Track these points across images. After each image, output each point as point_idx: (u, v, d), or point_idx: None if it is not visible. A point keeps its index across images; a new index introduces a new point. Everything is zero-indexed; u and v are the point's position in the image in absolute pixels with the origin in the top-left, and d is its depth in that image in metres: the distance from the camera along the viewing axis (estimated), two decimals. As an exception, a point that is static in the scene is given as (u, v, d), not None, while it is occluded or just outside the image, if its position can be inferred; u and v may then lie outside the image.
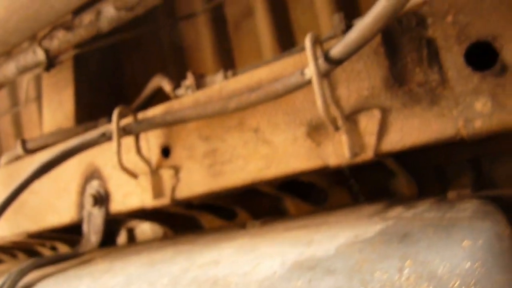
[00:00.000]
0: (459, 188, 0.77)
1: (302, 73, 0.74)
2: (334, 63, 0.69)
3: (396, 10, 0.59)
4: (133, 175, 0.99)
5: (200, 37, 1.44)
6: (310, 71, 0.69)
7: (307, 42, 0.69)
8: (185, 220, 1.28)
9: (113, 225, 1.52)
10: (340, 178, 0.96)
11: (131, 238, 1.64)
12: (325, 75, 0.72)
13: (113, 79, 1.57)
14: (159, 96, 1.21)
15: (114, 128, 0.95)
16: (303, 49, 0.80)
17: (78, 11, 1.13)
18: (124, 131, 0.97)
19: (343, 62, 0.69)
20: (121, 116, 0.98)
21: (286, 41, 1.31)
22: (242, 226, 1.02)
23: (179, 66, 1.51)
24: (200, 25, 1.44)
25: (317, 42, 0.72)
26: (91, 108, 1.48)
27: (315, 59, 0.68)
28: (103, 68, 1.55)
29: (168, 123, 0.92)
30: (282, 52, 1.29)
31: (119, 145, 0.95)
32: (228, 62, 1.42)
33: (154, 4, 0.92)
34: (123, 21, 0.97)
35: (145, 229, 1.63)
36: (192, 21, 1.45)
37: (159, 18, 1.52)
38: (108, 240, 1.41)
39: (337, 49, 0.67)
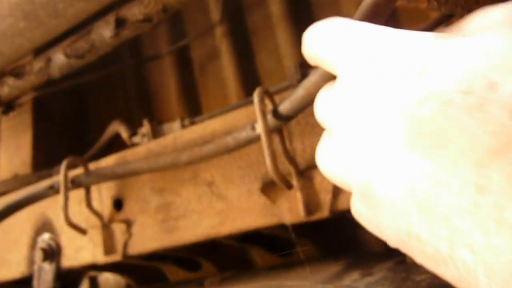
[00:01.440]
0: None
1: (253, 128, 0.70)
2: (283, 119, 0.65)
3: None
4: (82, 231, 0.92)
5: (166, 79, 1.41)
6: (259, 127, 0.65)
7: (255, 97, 0.66)
8: (149, 271, 1.22)
9: (75, 273, 1.44)
10: (306, 230, 0.91)
11: (94, 287, 1.56)
12: (275, 131, 0.68)
13: (76, 123, 1.52)
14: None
15: (62, 181, 0.89)
16: (257, 100, 0.76)
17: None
18: (73, 184, 0.91)
19: (292, 119, 0.65)
20: (70, 167, 0.92)
21: (252, 84, 1.28)
22: (200, 284, 0.95)
23: (145, 108, 1.47)
24: (166, 67, 1.41)
25: (267, 95, 0.68)
26: (52, 153, 1.41)
27: (263, 115, 0.64)
28: (66, 111, 1.50)
29: (118, 176, 0.87)
30: (247, 96, 1.26)
31: (66, 199, 0.89)
32: (194, 105, 1.38)
33: (105, 51, 0.89)
34: (75, 68, 0.94)
35: (108, 277, 1.54)
36: (158, 63, 1.42)
37: (125, 59, 1.48)
38: (70, 289, 1.33)
39: (285, 105, 0.63)
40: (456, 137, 0.26)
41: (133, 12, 0.80)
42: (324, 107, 0.44)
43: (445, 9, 0.61)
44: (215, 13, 1.27)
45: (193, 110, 1.38)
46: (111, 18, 0.82)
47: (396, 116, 0.30)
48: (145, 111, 1.47)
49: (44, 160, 1.37)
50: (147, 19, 0.80)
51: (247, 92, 1.27)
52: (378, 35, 0.38)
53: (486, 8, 0.36)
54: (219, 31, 1.30)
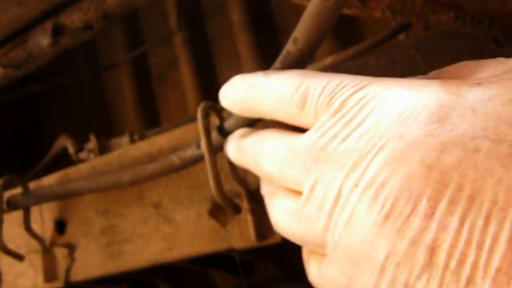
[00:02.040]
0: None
1: (198, 146, 0.65)
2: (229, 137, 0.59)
3: None
4: (19, 257, 0.85)
5: (123, 88, 1.35)
6: (202, 146, 0.60)
7: (198, 113, 0.60)
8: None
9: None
10: (265, 251, 0.86)
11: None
12: (220, 150, 0.62)
13: (29, 135, 1.44)
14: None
15: (-5, 204, 0.81)
16: (205, 115, 0.71)
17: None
18: (8, 205, 0.83)
19: None
20: (7, 186, 0.85)
21: (212, 94, 1.23)
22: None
23: (102, 119, 1.40)
24: (123, 75, 1.34)
25: (214, 111, 0.63)
26: (1, 168, 1.32)
27: (207, 133, 0.59)
28: (17, 124, 1.41)
29: (58, 196, 0.80)
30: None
31: (0, 222, 0.81)
32: (152, 115, 1.32)
33: (45, 61, 0.81)
34: (13, 79, 0.86)
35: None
36: (114, 72, 1.35)
37: (80, 68, 1.41)
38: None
39: (230, 122, 0.58)
40: (490, 191, 0.24)
41: (72, 19, 0.74)
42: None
43: (401, 18, 0.57)
44: (174, 21, 1.22)
45: (151, 120, 1.31)
46: (48, 26, 0.76)
47: (411, 165, 0.26)
48: (102, 121, 1.40)
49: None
50: (87, 27, 0.73)
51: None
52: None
53: (498, 59, 0.34)
54: (178, 39, 1.25)
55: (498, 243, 0.24)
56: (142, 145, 0.79)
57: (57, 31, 0.75)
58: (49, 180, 0.90)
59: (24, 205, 0.83)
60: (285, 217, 0.36)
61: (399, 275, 0.27)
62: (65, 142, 1.01)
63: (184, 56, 1.25)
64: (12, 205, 0.83)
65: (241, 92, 0.44)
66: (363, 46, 0.64)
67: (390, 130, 0.28)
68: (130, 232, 0.79)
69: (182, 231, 0.74)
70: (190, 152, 0.66)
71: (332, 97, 0.33)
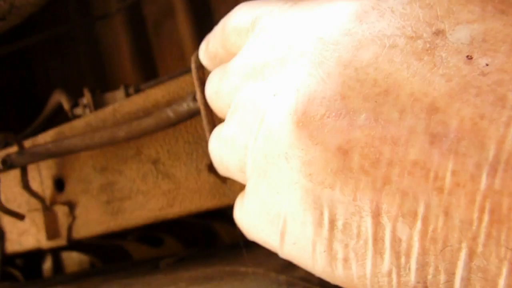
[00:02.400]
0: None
1: (194, 99, 0.61)
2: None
3: None
4: (19, 216, 0.83)
5: (118, 39, 1.28)
6: (197, 98, 0.56)
7: (192, 63, 0.56)
8: (111, 247, 1.15)
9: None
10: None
11: (57, 263, 1.49)
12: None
13: (24, 91, 1.40)
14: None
15: (-11, 164, 0.79)
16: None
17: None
18: (4, 164, 0.81)
19: None
20: (2, 145, 0.82)
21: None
22: (156, 266, 0.88)
23: (97, 71, 1.35)
24: (117, 26, 1.28)
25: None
26: (-3, 124, 1.30)
27: (201, 84, 0.55)
28: (11, 79, 1.37)
29: (53, 155, 0.77)
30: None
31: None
32: (149, 66, 1.27)
33: (30, 12, 0.76)
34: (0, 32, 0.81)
35: (72, 254, 1.48)
36: (108, 22, 1.29)
37: (73, 19, 1.34)
38: (34, 266, 1.26)
39: None
40: (405, 83, 0.23)
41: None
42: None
43: None
44: (167, -36, 1.14)
45: (149, 71, 1.26)
46: (28, -29, 0.70)
47: (328, 65, 0.25)
48: (98, 73, 1.35)
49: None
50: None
51: (206, 52, 1.16)
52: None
53: None
54: (172, -16, 1.17)
55: (414, 136, 0.22)
56: (137, 99, 0.75)
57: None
58: (44, 138, 0.87)
59: (19, 164, 0.81)
60: (216, 143, 0.37)
61: (312, 188, 0.25)
62: (60, 98, 0.98)
63: (180, 3, 1.18)
64: (8, 164, 0.81)
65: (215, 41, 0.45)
66: None
67: (310, 33, 0.27)
68: (130, 189, 0.77)
69: (182, 187, 0.71)
70: (185, 106, 0.62)
71: (256, 21, 0.33)
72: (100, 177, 0.80)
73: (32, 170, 0.88)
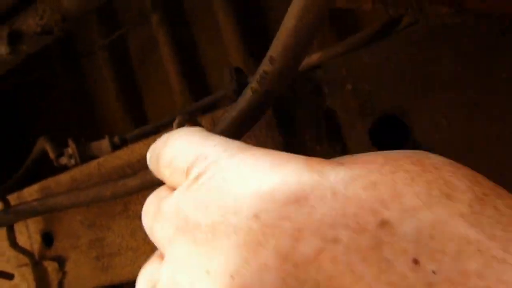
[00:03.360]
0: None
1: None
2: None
3: (267, 104, 0.44)
4: (8, 276, 0.81)
5: (103, 74, 1.27)
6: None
7: (174, 128, 0.54)
8: None
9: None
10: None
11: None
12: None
13: (10, 131, 1.37)
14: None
15: (-26, 223, 0.77)
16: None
17: None
18: (-10, 224, 0.79)
19: None
20: (-14, 203, 0.80)
21: (196, 76, 1.16)
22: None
23: (83, 108, 1.33)
24: (101, 62, 1.26)
25: (190, 124, 0.57)
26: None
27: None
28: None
29: (39, 213, 0.76)
30: (190, 86, 1.14)
31: (-18, 243, 0.78)
32: (135, 100, 1.25)
33: (7, 68, 0.75)
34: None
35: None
36: (92, 58, 1.27)
37: (56, 58, 1.33)
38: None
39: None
40: None
41: (29, 24, 0.66)
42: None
43: (393, 11, 0.50)
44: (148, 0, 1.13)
45: (135, 106, 1.25)
46: (3, 32, 0.68)
47: (264, 253, 0.23)
48: (84, 111, 1.33)
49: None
50: (46, 31, 0.66)
51: (191, 84, 1.15)
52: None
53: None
54: (154, 19, 1.16)
55: None
56: (122, 154, 0.74)
57: (15, 38, 0.68)
58: (30, 192, 0.85)
59: (5, 224, 0.79)
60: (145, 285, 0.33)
61: None
62: (45, 145, 0.96)
63: (162, 36, 1.16)
64: (-6, 223, 0.79)
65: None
66: (352, 41, 0.57)
67: (246, 208, 0.24)
68: (119, 245, 0.75)
69: (172, 244, 0.70)
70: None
71: (191, 168, 0.30)
72: (89, 233, 0.78)
73: (19, 225, 0.86)
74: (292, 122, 0.60)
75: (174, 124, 0.55)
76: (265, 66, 0.41)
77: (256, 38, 1.07)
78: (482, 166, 0.49)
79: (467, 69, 0.49)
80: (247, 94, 0.44)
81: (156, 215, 0.31)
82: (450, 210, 0.21)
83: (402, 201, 0.22)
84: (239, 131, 0.48)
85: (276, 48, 0.38)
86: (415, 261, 0.20)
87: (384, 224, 0.21)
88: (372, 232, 0.21)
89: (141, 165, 0.71)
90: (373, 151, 0.54)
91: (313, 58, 0.57)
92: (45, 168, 1.06)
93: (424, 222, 0.21)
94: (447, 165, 0.24)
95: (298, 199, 0.23)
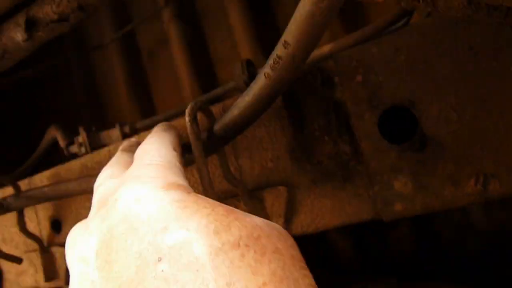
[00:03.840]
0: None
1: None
2: (220, 141, 0.55)
3: (279, 89, 0.45)
4: (16, 260, 0.83)
5: (113, 68, 1.28)
6: (193, 152, 0.55)
7: (186, 116, 0.55)
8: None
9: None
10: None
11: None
12: (212, 152, 0.58)
13: (23, 120, 1.39)
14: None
15: (-15, 207, 0.78)
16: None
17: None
18: (0, 208, 0.80)
19: (230, 141, 0.56)
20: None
21: (205, 72, 1.17)
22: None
23: (93, 101, 1.35)
24: (112, 55, 1.27)
25: (202, 112, 0.58)
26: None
27: (197, 139, 0.54)
28: (11, 108, 1.36)
29: (50, 198, 0.77)
30: (200, 86, 1.15)
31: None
32: (144, 95, 1.26)
33: (22, 56, 0.76)
34: (-8, 74, 0.81)
35: None
36: (103, 52, 1.28)
37: (68, 50, 1.34)
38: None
39: (218, 126, 0.54)
40: None
41: (46, 11, 0.67)
42: None
43: (405, 3, 0.51)
44: (161, -5, 1.14)
45: (144, 100, 1.26)
46: (20, 19, 0.70)
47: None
48: (94, 104, 1.35)
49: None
50: (62, 19, 0.67)
51: (200, 80, 1.16)
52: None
53: None
54: (166, 14, 1.17)
55: None
56: (133, 142, 0.75)
57: (31, 25, 0.69)
58: (41, 178, 0.87)
59: (16, 208, 0.80)
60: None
61: None
62: (55, 134, 0.97)
63: (173, 32, 1.18)
64: (4, 208, 0.80)
65: None
66: (363, 33, 0.58)
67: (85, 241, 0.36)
68: (127, 232, 0.76)
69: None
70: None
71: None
72: (97, 220, 0.79)
73: (28, 211, 0.88)
74: (301, 112, 0.61)
75: (187, 111, 0.56)
76: (278, 51, 0.41)
77: (267, 34, 1.08)
78: (489, 160, 0.49)
79: (478, 63, 0.50)
80: (260, 79, 0.45)
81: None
82: None
83: None
84: (252, 115, 0.49)
85: (291, 32, 0.39)
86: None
87: None
88: None
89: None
90: (382, 142, 0.55)
91: (324, 49, 0.58)
92: (56, 158, 1.07)
93: None
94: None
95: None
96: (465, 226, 0.91)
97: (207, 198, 0.33)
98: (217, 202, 0.32)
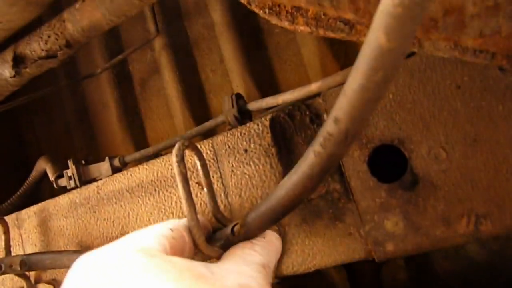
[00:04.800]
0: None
1: (178, 187, 0.59)
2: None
3: (330, 167, 0.42)
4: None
5: (105, 97, 1.28)
6: (180, 193, 0.54)
7: (173, 157, 0.54)
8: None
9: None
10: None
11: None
12: (205, 185, 0.57)
13: (13, 149, 1.38)
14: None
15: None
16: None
17: None
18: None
19: (275, 223, 0.55)
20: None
21: (197, 99, 1.17)
22: None
23: (84, 129, 1.34)
24: (104, 84, 1.27)
25: (191, 149, 0.57)
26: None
27: (183, 180, 0.53)
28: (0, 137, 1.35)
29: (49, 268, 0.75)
30: (191, 111, 1.14)
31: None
32: (136, 124, 1.26)
33: (11, 91, 0.76)
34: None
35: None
36: (95, 80, 1.28)
37: (59, 79, 1.34)
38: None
39: (265, 207, 0.51)
40: None
41: (33, 48, 0.67)
42: None
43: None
44: (152, 24, 1.14)
45: (136, 129, 1.25)
46: (8, 56, 0.69)
47: None
48: (85, 132, 1.34)
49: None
50: (50, 55, 0.67)
51: (192, 108, 1.15)
52: None
53: None
54: (157, 43, 1.17)
55: None
56: (121, 178, 0.74)
57: (19, 62, 0.69)
58: (28, 213, 0.85)
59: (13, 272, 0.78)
60: None
61: None
62: (45, 166, 0.96)
63: (165, 60, 1.18)
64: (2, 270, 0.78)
65: None
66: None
67: None
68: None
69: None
70: (169, 193, 0.60)
71: None
72: (85, 256, 0.78)
73: (16, 246, 0.86)
74: (290, 149, 0.60)
75: (174, 150, 0.55)
76: (328, 127, 0.38)
77: (258, 64, 1.08)
78: (480, 199, 0.49)
79: (466, 101, 0.50)
80: (309, 158, 0.42)
81: None
82: None
83: None
84: (299, 195, 0.45)
85: (341, 108, 0.36)
86: None
87: None
88: None
89: (140, 189, 0.71)
90: (371, 180, 0.54)
91: (313, 87, 0.57)
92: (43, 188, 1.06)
93: None
94: None
95: None
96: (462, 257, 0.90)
97: None
98: None
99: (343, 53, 0.96)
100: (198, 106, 1.15)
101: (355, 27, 0.50)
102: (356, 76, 0.34)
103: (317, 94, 0.59)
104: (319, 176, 0.42)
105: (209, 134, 0.95)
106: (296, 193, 0.45)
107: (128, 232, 0.73)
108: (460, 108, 0.50)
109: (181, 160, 0.54)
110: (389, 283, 0.93)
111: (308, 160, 0.42)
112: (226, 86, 1.12)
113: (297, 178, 0.44)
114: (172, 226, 0.46)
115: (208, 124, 0.77)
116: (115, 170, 0.85)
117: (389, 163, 0.56)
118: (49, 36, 0.65)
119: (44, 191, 1.26)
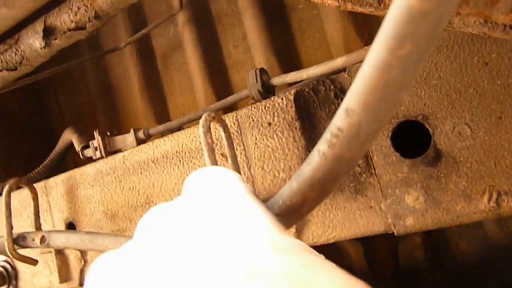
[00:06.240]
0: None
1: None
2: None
3: (339, 173, 0.33)
4: (32, 261, 0.84)
5: (127, 71, 1.29)
6: (206, 163, 0.56)
7: (200, 128, 0.56)
8: None
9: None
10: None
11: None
12: (229, 158, 0.59)
13: (37, 120, 1.41)
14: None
15: (3, 210, 0.80)
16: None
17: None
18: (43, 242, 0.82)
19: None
20: (14, 189, 0.83)
21: (219, 75, 1.17)
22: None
23: (107, 102, 1.36)
24: (127, 58, 1.29)
25: (216, 120, 0.58)
26: (12, 152, 1.32)
27: (210, 150, 0.55)
28: (25, 109, 1.39)
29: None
30: (213, 86, 1.15)
31: (10, 228, 0.80)
32: (158, 98, 1.27)
33: (40, 62, 0.77)
34: (11, 80, 0.82)
35: None
36: (118, 55, 1.30)
37: (83, 53, 1.36)
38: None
39: None
40: None
41: (63, 19, 0.69)
42: None
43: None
44: (175, -1, 1.15)
45: (158, 103, 1.27)
46: (38, 27, 0.71)
47: None
48: (108, 105, 1.36)
49: (5, 158, 1.29)
50: (80, 27, 0.68)
51: (214, 84, 1.16)
52: None
53: None
54: (180, 18, 1.18)
55: None
56: (147, 149, 0.76)
57: (48, 33, 0.70)
58: (56, 181, 0.88)
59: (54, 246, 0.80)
60: None
61: None
62: (71, 137, 0.99)
63: (187, 35, 1.18)
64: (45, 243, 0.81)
65: None
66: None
67: None
68: (140, 237, 0.77)
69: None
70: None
71: None
72: (110, 224, 0.80)
73: (44, 213, 0.89)
74: (313, 123, 0.61)
75: (200, 121, 0.57)
76: (338, 120, 0.30)
77: (280, 40, 1.08)
78: (502, 177, 0.49)
79: (493, 79, 0.50)
80: (313, 159, 0.33)
81: None
82: None
83: None
84: (301, 206, 0.36)
85: (356, 94, 0.28)
86: None
87: None
88: None
89: (165, 160, 0.73)
90: (394, 155, 0.55)
91: (338, 62, 0.58)
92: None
93: None
94: None
95: None
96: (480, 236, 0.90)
97: None
98: None
99: (366, 31, 0.96)
100: (219, 81, 1.16)
101: (384, 1, 0.50)
102: (377, 51, 0.25)
103: (342, 70, 0.59)
104: (323, 184, 0.33)
105: (231, 109, 0.96)
106: (296, 204, 0.35)
107: (152, 202, 0.76)
108: (486, 86, 0.50)
109: (208, 130, 0.55)
110: (406, 260, 0.95)
111: (312, 163, 0.33)
112: (248, 62, 1.13)
113: (297, 185, 0.35)
114: None
115: (231, 98, 0.78)
116: (140, 142, 0.87)
117: (412, 142, 0.56)
118: (78, 8, 0.66)
119: (68, 162, 1.30)
